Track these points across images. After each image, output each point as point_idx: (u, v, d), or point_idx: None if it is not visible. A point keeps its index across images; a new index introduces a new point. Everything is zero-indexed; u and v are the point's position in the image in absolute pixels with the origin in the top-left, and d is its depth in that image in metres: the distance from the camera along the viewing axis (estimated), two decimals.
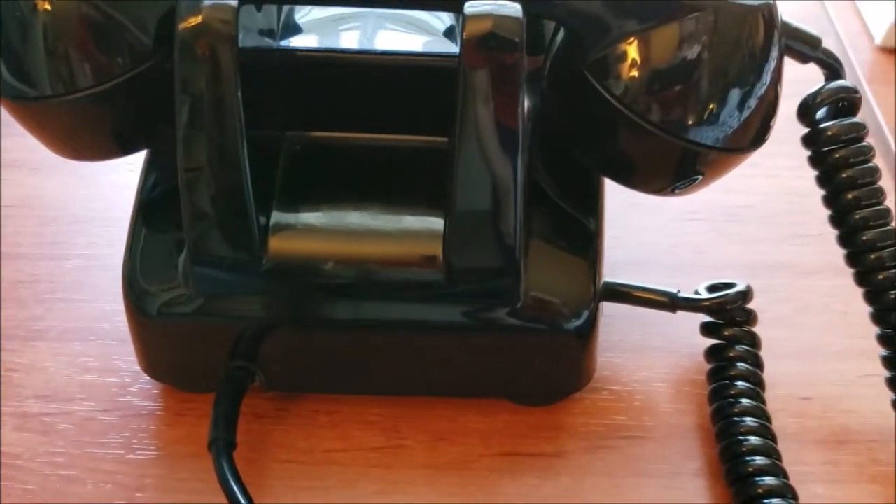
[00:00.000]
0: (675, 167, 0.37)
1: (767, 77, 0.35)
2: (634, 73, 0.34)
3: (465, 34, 0.32)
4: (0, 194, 0.50)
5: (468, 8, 0.32)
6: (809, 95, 0.38)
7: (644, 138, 0.35)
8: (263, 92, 0.36)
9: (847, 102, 0.38)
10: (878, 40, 0.60)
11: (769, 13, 0.35)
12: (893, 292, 0.38)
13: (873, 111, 0.55)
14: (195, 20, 0.32)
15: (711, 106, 0.34)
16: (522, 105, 0.34)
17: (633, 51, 0.34)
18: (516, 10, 0.32)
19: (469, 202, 0.35)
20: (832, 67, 0.38)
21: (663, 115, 0.34)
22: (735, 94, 0.34)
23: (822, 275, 0.46)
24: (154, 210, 0.39)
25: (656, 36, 0.34)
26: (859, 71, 0.58)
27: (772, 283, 0.46)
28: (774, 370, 0.41)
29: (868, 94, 0.56)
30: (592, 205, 0.40)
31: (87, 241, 0.48)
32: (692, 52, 0.34)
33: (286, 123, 0.39)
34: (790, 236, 0.49)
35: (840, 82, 0.38)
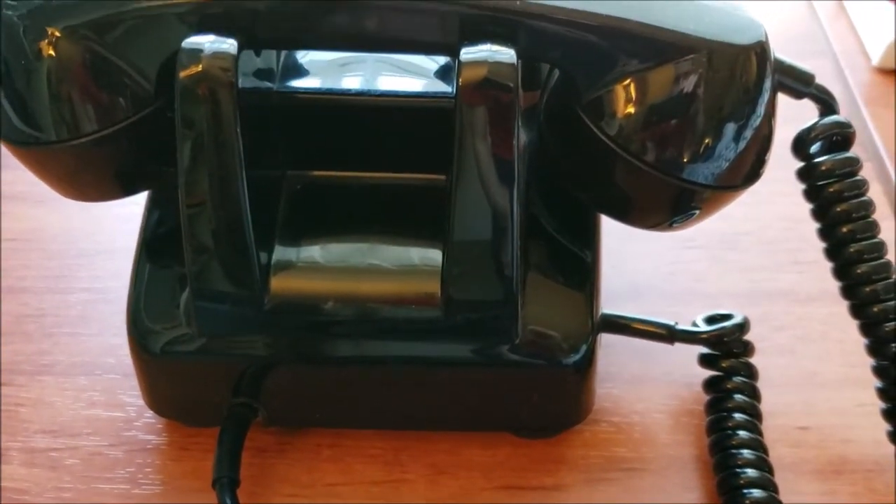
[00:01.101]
0: (670, 205, 0.37)
1: (761, 116, 0.35)
2: (629, 114, 0.34)
3: (461, 80, 0.32)
4: (2, 227, 0.50)
5: (464, 55, 0.32)
6: (804, 130, 0.38)
7: (639, 177, 0.35)
8: (263, 133, 0.37)
9: (841, 137, 0.38)
10: (875, 61, 0.59)
11: (762, 51, 0.35)
12: (888, 325, 0.38)
13: (870, 133, 0.55)
14: (196, 68, 0.32)
15: (706, 146, 0.35)
16: (518, 140, 0.34)
17: (627, 93, 0.34)
18: (510, 56, 0.32)
19: (467, 236, 0.35)
20: (826, 103, 0.38)
21: (657, 156, 0.35)
22: (729, 135, 0.35)
23: (819, 302, 0.47)
24: (157, 249, 0.39)
25: (651, 78, 0.34)
26: (856, 92, 0.58)
27: (770, 311, 0.46)
28: (772, 399, 0.42)
29: (865, 115, 0.56)
30: (589, 237, 0.40)
31: (91, 274, 0.48)
32: (686, 94, 0.34)
33: (287, 163, 0.39)
34: (788, 263, 0.49)
35: (834, 117, 0.38)
